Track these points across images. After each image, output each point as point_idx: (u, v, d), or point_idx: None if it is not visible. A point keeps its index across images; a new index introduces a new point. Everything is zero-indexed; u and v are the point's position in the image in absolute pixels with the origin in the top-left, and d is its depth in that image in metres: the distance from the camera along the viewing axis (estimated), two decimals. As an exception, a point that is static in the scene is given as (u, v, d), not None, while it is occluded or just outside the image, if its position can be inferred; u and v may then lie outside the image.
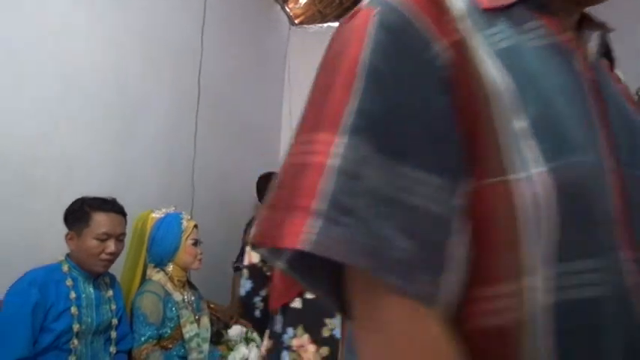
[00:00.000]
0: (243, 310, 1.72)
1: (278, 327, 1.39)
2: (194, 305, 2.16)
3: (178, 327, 2.05)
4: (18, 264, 1.82)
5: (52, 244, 1.95)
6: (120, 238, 1.85)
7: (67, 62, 2.19)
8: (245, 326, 2.17)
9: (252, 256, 1.53)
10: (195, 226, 2.22)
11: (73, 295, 1.73)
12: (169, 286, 2.11)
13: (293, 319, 1.35)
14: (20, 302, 1.62)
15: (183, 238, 2.16)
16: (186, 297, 2.14)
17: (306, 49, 4.50)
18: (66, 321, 1.69)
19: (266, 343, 1.42)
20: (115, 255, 1.84)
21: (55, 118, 2.15)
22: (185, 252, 2.15)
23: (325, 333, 1.32)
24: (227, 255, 3.13)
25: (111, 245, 1.80)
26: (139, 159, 2.63)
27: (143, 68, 2.65)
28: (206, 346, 2.08)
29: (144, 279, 2.15)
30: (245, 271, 1.49)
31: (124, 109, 2.52)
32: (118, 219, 1.85)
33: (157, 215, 2.19)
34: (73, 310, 1.71)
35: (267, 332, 1.44)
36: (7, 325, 1.59)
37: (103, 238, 1.79)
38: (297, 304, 1.35)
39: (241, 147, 3.68)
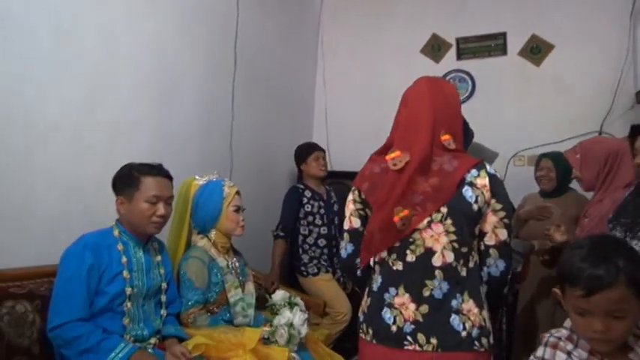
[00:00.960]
0: (344, 271, 1.85)
1: (376, 286, 1.48)
2: (238, 271, 2.18)
3: (223, 292, 2.07)
4: (71, 227, 1.87)
5: (100, 208, 1.99)
6: (168, 201, 1.87)
7: (107, 31, 2.19)
8: (288, 291, 2.19)
9: (353, 222, 1.55)
10: (238, 192, 2.21)
11: (124, 259, 1.76)
12: (213, 252, 2.13)
13: (395, 279, 1.44)
14: (76, 265, 1.66)
15: (225, 205, 2.15)
16: (230, 262, 2.16)
17: (339, 16, 4.40)
18: (118, 284, 1.72)
19: (366, 299, 1.52)
20: (165, 217, 1.86)
21: (98, 86, 2.17)
22: (227, 218, 2.16)
23: (425, 293, 1.40)
24: (266, 222, 3.15)
25: (161, 208, 1.82)
26: (177, 126, 2.64)
27: (179, 36, 2.63)
28: (251, 311, 2.10)
29: (189, 245, 2.18)
30: (346, 235, 1.57)
31: (162, 77, 2.52)
32: (165, 182, 1.86)
33: (199, 182, 2.19)
34: (125, 274, 1.74)
35: (366, 290, 1.53)
36: (64, 287, 1.64)
37: (153, 201, 1.80)
38: (399, 266, 1.44)
39: (277, 115, 3.66)
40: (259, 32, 3.38)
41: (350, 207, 1.56)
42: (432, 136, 1.43)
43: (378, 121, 4.07)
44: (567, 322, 1.21)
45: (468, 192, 1.40)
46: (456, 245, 1.40)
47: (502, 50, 3.83)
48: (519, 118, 3.67)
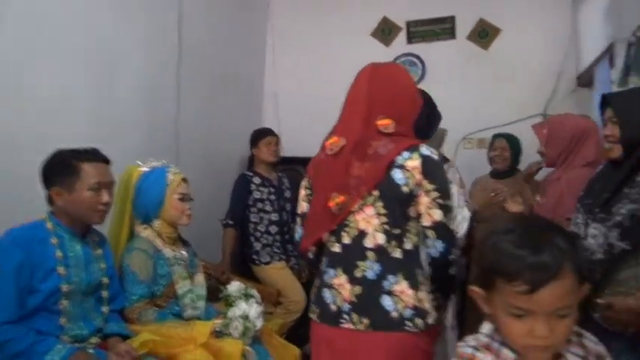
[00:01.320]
0: (299, 255, 1.90)
1: (322, 267, 1.52)
2: (187, 262, 2.08)
3: (171, 284, 1.97)
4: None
5: (36, 201, 1.84)
6: (110, 187, 1.75)
7: (38, 9, 2.02)
8: (242, 282, 2.11)
9: (304, 206, 1.62)
10: (184, 179, 2.10)
11: (59, 253, 1.63)
12: (159, 243, 2.02)
13: (334, 261, 1.49)
14: (3, 262, 1.52)
15: (168, 193, 2.04)
16: (177, 253, 2.05)
17: (289, -4, 4.30)
18: (53, 281, 1.59)
19: (316, 280, 1.55)
20: (109, 205, 1.74)
21: (28, 67, 1.99)
22: (171, 207, 2.04)
23: (358, 274, 1.44)
24: (216, 211, 3.05)
25: (105, 195, 1.70)
26: (119, 111, 2.49)
27: (118, 16, 2.47)
28: (201, 303, 2.02)
29: (131, 235, 2.06)
30: (298, 219, 1.65)
31: (99, 59, 2.36)
32: (105, 167, 1.74)
33: (143, 168, 2.07)
34: (61, 269, 1.61)
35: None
36: None
37: (96, 188, 1.68)
38: (337, 248, 1.48)
39: (225, 99, 3.53)
40: (205, 13, 3.23)
41: (301, 193, 1.63)
42: (366, 121, 1.46)
43: (330, 106, 3.97)
44: (485, 327, 1.01)
45: (397, 174, 1.42)
46: (387, 227, 1.43)
47: (451, 34, 3.85)
48: (468, 102, 3.71)
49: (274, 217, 3.05)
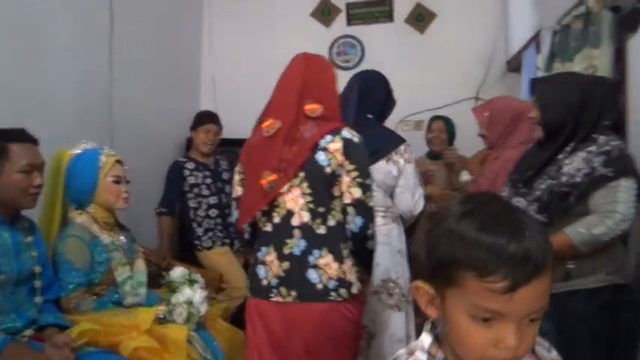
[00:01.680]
0: (237, 236, 1.93)
1: (297, 250, 1.56)
2: (126, 247, 2.01)
3: (110, 271, 1.90)
4: None
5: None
6: (41, 169, 1.67)
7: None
8: (186, 267, 2.07)
9: (238, 190, 1.70)
10: (118, 161, 2.02)
11: None
12: (95, 229, 1.93)
13: (265, 239, 1.60)
14: None
15: (101, 175, 1.96)
16: (115, 239, 1.98)
17: (226, -27, 4.17)
18: None
19: (253, 259, 1.65)
20: (41, 188, 1.65)
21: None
22: (105, 190, 1.96)
23: (286, 250, 1.56)
24: (151, 194, 2.95)
25: (37, 177, 1.62)
26: (48, 89, 2.34)
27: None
28: (143, 290, 1.96)
29: (65, 222, 1.96)
30: (233, 202, 1.74)
31: (26, 33, 2.20)
32: (35, 148, 1.66)
33: (73, 151, 1.97)
34: None
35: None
36: None
37: (28, 170, 1.59)
38: (268, 227, 1.60)
39: (161, 79, 3.40)
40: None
41: (235, 177, 1.74)
42: (297, 105, 1.57)
43: (269, 87, 3.97)
44: (424, 340, 0.79)
45: (320, 156, 1.55)
46: (312, 206, 1.55)
47: (389, 17, 3.91)
48: (405, 85, 3.75)
49: (212, 200, 3.01)
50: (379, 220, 1.98)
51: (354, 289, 1.55)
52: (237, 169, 1.74)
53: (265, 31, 4.02)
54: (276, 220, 1.58)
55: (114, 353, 1.60)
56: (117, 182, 1.99)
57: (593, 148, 1.55)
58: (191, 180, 2.97)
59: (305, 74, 1.62)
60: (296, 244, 1.55)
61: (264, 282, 1.58)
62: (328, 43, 3.97)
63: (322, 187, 1.55)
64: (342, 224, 1.57)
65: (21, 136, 1.63)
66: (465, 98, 3.61)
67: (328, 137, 1.55)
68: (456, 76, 3.71)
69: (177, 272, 1.96)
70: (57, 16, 2.40)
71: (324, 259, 1.53)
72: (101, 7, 2.72)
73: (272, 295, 1.55)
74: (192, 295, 1.89)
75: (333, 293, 1.52)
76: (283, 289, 1.55)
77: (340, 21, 3.99)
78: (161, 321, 1.81)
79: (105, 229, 1.96)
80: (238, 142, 3.55)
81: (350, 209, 1.56)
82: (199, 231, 2.96)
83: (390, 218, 2.07)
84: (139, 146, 3.05)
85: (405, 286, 2.04)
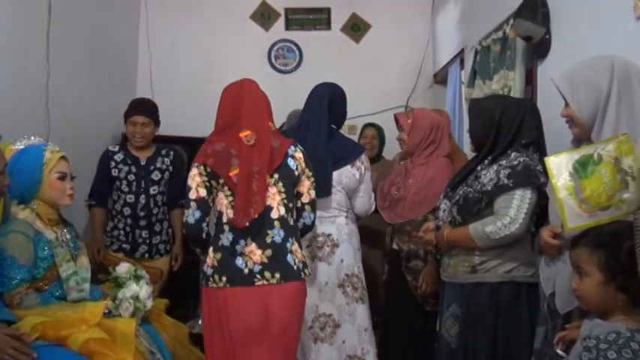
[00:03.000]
0: (191, 235, 1.96)
1: (227, 241, 1.83)
2: (70, 243, 2.01)
3: (53, 267, 1.90)
4: None
5: None
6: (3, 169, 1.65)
7: None
8: (133, 264, 2.11)
9: (200, 192, 1.86)
10: (64, 157, 2.00)
11: None
12: (39, 224, 1.91)
13: (243, 233, 1.83)
14: None
15: (46, 172, 1.93)
16: (59, 235, 1.98)
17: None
18: None
19: (213, 256, 1.85)
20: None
21: None
22: (50, 187, 1.94)
23: (268, 240, 1.84)
24: (86, 190, 2.91)
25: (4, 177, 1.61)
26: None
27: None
28: (86, 285, 1.97)
29: (6, 217, 1.94)
30: (193, 203, 1.88)
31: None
32: None
33: (16, 146, 1.94)
34: None
35: (211, 249, 1.87)
36: None
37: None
38: (292, 222, 1.90)
39: (98, 73, 3.35)
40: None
41: (196, 179, 1.86)
42: (266, 121, 1.93)
43: (207, 85, 4.00)
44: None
45: (290, 162, 1.91)
46: (285, 202, 1.88)
47: (327, 25, 4.09)
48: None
49: (129, 198, 2.77)
50: (342, 220, 2.26)
51: (308, 269, 1.95)
52: (197, 171, 1.86)
53: (205, 30, 4.06)
54: (255, 214, 1.81)
55: (63, 346, 1.62)
56: (62, 179, 1.97)
57: (503, 162, 1.79)
58: (114, 172, 2.78)
59: (263, 96, 1.99)
60: (277, 234, 1.84)
61: (246, 270, 1.81)
62: (267, 46, 4.09)
63: (291, 186, 1.91)
64: (297, 218, 1.95)
65: None
66: (395, 106, 3.86)
67: (292, 148, 1.94)
68: (388, 84, 3.97)
69: (124, 268, 1.99)
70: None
71: (295, 246, 1.88)
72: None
73: (256, 280, 1.81)
74: (139, 290, 1.94)
75: (302, 273, 1.88)
76: (267, 273, 1.82)
77: (279, 25, 4.12)
78: (107, 315, 1.84)
79: (49, 225, 1.96)
80: (176, 140, 3.60)
81: (307, 207, 1.97)
82: (109, 225, 2.83)
83: (350, 219, 2.32)
84: (76, 141, 3.00)
85: (363, 281, 2.30)
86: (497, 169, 1.79)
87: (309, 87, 3.83)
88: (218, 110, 1.98)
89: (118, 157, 2.83)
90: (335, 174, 2.25)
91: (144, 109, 2.88)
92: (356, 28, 4.08)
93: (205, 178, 1.85)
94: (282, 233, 1.85)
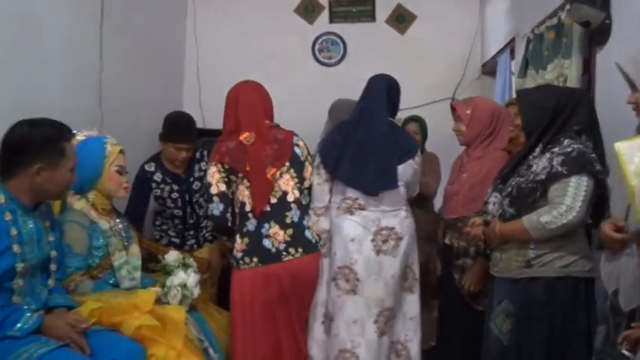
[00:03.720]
0: (218, 226, 2.20)
1: (252, 227, 2.13)
2: (122, 233, 2.06)
3: (107, 256, 1.96)
4: None
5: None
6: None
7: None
8: (181, 252, 2.15)
9: (220, 187, 2.14)
10: (122, 151, 2.06)
11: (14, 231, 1.57)
12: (94, 215, 1.98)
13: (305, 211, 2.20)
14: None
15: (107, 165, 1.99)
16: (112, 225, 2.04)
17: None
18: (8, 260, 1.54)
19: (241, 241, 2.13)
20: None
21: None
22: (108, 179, 1.99)
23: (288, 220, 2.14)
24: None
25: (75, 173, 1.68)
26: (41, 78, 2.35)
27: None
28: (138, 274, 2.02)
29: (63, 207, 2.01)
30: (216, 197, 2.13)
31: (19, 23, 2.21)
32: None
33: (78, 137, 1.98)
34: (15, 247, 1.56)
35: (237, 236, 2.15)
36: None
37: (74, 168, 1.68)
38: (305, 202, 2.22)
39: (147, 68, 3.42)
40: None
41: (216, 176, 2.13)
42: (262, 120, 2.19)
43: (252, 77, 4.00)
44: None
45: (297, 150, 2.23)
46: (298, 185, 2.19)
47: (371, 16, 4.04)
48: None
49: (177, 212, 2.78)
50: (403, 213, 2.24)
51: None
52: (215, 169, 2.13)
53: (249, 24, 4.08)
54: (273, 200, 2.13)
55: (116, 332, 1.67)
56: (120, 172, 2.02)
57: (556, 149, 1.73)
58: (157, 192, 2.74)
59: (257, 96, 2.25)
60: (294, 214, 2.15)
61: (273, 250, 2.10)
62: (311, 39, 4.08)
63: (300, 172, 2.20)
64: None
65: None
66: (442, 98, 3.78)
67: (295, 138, 2.25)
68: (434, 76, 3.88)
69: (172, 256, 2.04)
70: (51, 4, 2.42)
71: (310, 222, 2.19)
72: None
73: (283, 256, 2.09)
74: (187, 278, 1.97)
75: (318, 245, 2.18)
76: (292, 249, 2.11)
77: (323, 18, 4.10)
78: (157, 303, 1.88)
79: (103, 215, 2.02)
80: (221, 133, 3.63)
81: (306, 191, 2.23)
82: (158, 220, 2.84)
83: (409, 212, 2.29)
84: (127, 132, 3.08)
85: (416, 272, 2.32)
86: (550, 157, 1.72)
87: (353, 80, 3.84)
88: (223, 115, 2.25)
89: (157, 177, 2.76)
90: (400, 168, 2.22)
91: (191, 135, 2.76)
92: (401, 19, 4.01)
93: (224, 174, 2.13)
94: (298, 213, 2.15)
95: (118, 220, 2.09)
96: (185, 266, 2.01)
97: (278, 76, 4.00)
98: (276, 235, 2.10)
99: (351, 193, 2.21)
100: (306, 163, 2.23)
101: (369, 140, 2.19)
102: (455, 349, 2.25)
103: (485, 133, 2.25)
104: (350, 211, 2.20)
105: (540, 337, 1.71)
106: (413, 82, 3.89)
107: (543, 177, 1.70)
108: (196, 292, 2.02)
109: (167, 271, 1.98)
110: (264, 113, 2.22)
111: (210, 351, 1.95)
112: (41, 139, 1.62)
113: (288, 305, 2.13)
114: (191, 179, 2.80)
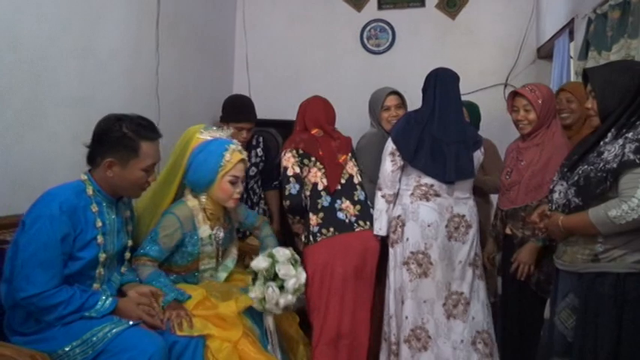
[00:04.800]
0: (294, 205, 2.42)
1: (326, 202, 2.44)
2: (221, 242, 2.07)
3: (195, 261, 2.00)
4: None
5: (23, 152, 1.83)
6: (158, 164, 1.77)
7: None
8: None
9: (296, 169, 2.44)
10: (242, 160, 2.01)
11: (99, 223, 1.64)
12: (199, 219, 1.98)
13: (339, 194, 2.47)
14: (52, 229, 1.53)
15: (220, 174, 1.95)
16: (214, 232, 2.02)
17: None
18: (92, 250, 1.63)
19: (316, 217, 2.41)
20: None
21: (17, 27, 1.94)
22: (219, 188, 1.96)
23: (356, 198, 2.48)
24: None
25: (153, 174, 1.71)
26: (102, 71, 2.46)
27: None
28: (223, 275, 2.08)
29: (180, 195, 2.05)
30: (292, 179, 2.42)
31: (82, 18, 2.31)
32: (158, 145, 1.73)
33: (203, 136, 2.00)
34: (100, 238, 1.63)
35: (312, 212, 2.42)
36: (39, 254, 1.52)
37: (150, 169, 1.69)
38: (338, 187, 2.49)
39: (199, 60, 3.51)
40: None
41: (291, 160, 2.43)
42: (327, 124, 2.58)
43: (301, 67, 4.09)
44: None
45: (352, 148, 2.61)
46: (359, 173, 2.54)
47: (420, 2, 3.96)
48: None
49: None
50: (471, 201, 2.37)
51: None
52: (290, 154, 2.44)
53: (298, 13, 4.09)
54: (342, 181, 2.48)
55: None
56: (233, 182, 1.98)
57: (630, 134, 1.59)
58: None
59: (324, 108, 2.63)
60: (360, 194, 2.48)
61: (347, 221, 2.41)
62: (359, 27, 4.04)
63: (356, 162, 2.55)
64: None
65: (152, 133, 1.70)
66: (494, 84, 3.68)
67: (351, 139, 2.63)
68: (486, 62, 3.78)
69: (283, 252, 1.96)
70: (110, 2, 2.51)
71: (371, 202, 2.46)
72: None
73: (355, 227, 2.40)
74: (299, 275, 1.93)
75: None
76: (361, 222, 2.42)
77: (372, 5, 4.05)
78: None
79: (209, 221, 2.02)
80: (272, 123, 3.68)
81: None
82: None
83: (475, 201, 2.42)
84: (182, 122, 3.17)
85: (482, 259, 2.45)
86: (622, 143, 1.58)
87: (402, 68, 3.83)
88: (295, 123, 2.63)
89: (218, 231, 2.76)
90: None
91: (251, 115, 2.80)
92: (452, 3, 3.91)
93: (298, 159, 2.43)
94: (362, 193, 2.49)
95: (221, 228, 2.07)
96: (295, 263, 1.96)
97: (326, 66, 4.02)
98: (348, 208, 2.41)
99: (426, 179, 2.31)
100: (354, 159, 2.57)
101: (445, 132, 2.31)
102: (516, 338, 2.21)
103: (549, 120, 2.19)
104: (426, 197, 2.30)
105: (608, 336, 1.61)
106: (464, 68, 3.75)
107: (614, 166, 1.57)
108: (293, 298, 1.94)
109: (256, 277, 1.92)
110: (327, 120, 2.58)
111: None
112: (116, 134, 1.63)
113: (362, 279, 2.37)
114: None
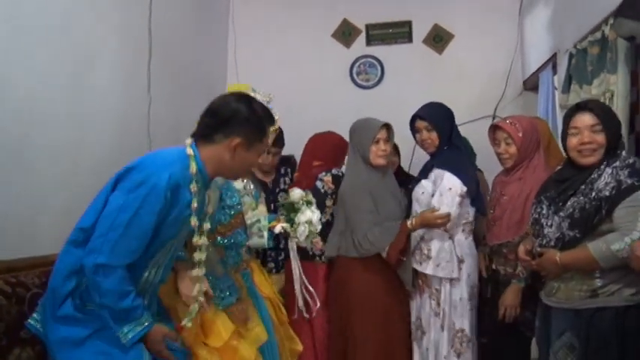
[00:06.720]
0: None
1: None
2: (253, 193, 2.10)
3: (239, 214, 2.00)
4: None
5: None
6: None
7: (13, 7, 2.00)
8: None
9: None
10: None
11: (194, 204, 1.52)
12: None
13: None
14: (154, 203, 1.42)
15: None
16: (246, 184, 2.07)
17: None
18: (174, 230, 1.53)
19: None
20: None
21: (6, 68, 1.97)
22: None
23: None
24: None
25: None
26: (93, 111, 2.48)
27: (90, 12, 2.45)
28: (267, 233, 2.08)
29: None
30: None
31: (74, 57, 2.35)
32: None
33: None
34: (193, 221, 1.53)
35: None
36: (132, 225, 1.41)
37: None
38: None
39: (192, 98, 3.55)
40: (172, 10, 3.25)
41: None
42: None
43: (292, 102, 4.13)
44: None
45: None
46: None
47: (408, 38, 4.06)
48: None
49: None
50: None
51: None
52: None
53: (289, 49, 4.17)
54: None
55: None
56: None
57: (617, 163, 1.66)
58: None
59: (317, 146, 2.76)
60: None
61: None
62: (349, 63, 4.12)
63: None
64: None
65: (271, 118, 1.71)
66: (482, 116, 3.73)
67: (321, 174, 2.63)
68: (474, 94, 3.85)
69: (297, 194, 2.09)
70: (104, 41, 2.56)
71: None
72: (142, 30, 2.88)
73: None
74: (312, 215, 2.05)
75: None
76: None
77: (360, 41, 4.14)
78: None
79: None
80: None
81: None
82: None
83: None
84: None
85: None
86: (612, 172, 1.65)
87: (391, 102, 3.88)
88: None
89: (248, 183, 2.76)
90: None
91: (281, 140, 2.74)
92: (438, 38, 4.01)
93: None
94: None
95: (250, 181, 2.12)
96: (308, 203, 2.06)
97: (317, 101, 4.07)
98: None
99: (471, 217, 2.39)
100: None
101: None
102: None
103: (532, 154, 2.19)
104: (471, 232, 2.41)
105: None
106: (452, 101, 3.80)
107: (607, 193, 1.62)
108: (319, 227, 2.09)
109: (294, 209, 2.03)
110: (325, 155, 2.67)
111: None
112: (252, 116, 1.58)
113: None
114: (277, 190, 2.84)
